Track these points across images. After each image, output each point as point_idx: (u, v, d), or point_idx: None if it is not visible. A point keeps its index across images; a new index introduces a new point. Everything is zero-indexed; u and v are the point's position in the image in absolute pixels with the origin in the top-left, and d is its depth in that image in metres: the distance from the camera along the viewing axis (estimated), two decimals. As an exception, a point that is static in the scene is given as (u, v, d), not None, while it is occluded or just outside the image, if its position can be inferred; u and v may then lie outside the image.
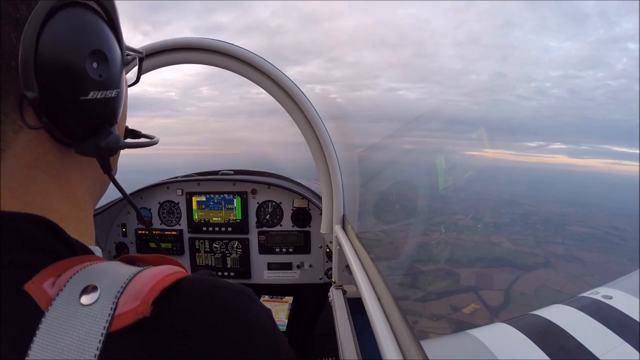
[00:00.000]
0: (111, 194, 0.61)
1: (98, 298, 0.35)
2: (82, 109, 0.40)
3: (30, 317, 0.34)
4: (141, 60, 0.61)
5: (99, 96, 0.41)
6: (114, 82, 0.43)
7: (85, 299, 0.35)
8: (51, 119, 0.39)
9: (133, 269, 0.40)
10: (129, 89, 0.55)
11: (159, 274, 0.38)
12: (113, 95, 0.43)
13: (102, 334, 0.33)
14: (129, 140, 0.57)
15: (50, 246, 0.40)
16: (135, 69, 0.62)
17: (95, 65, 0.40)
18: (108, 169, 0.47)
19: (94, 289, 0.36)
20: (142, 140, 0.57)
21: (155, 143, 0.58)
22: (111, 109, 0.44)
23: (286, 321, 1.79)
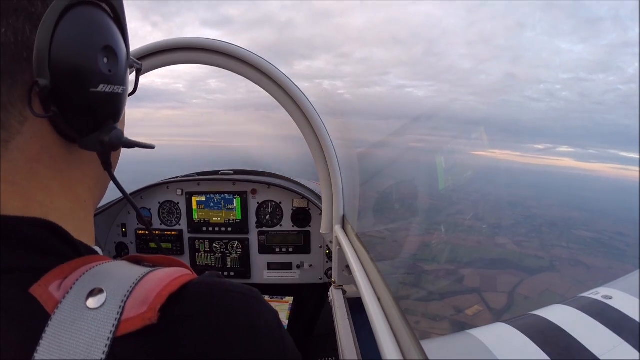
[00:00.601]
0: (111, 194, 0.61)
1: (105, 302, 0.35)
2: (90, 101, 0.41)
3: (36, 320, 0.34)
4: (138, 71, 0.62)
5: (107, 90, 0.42)
6: (121, 79, 0.44)
7: (91, 302, 0.35)
8: (59, 108, 0.39)
9: (139, 271, 0.40)
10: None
11: (165, 278, 0.38)
12: (119, 91, 0.44)
13: (109, 338, 0.33)
14: (131, 138, 0.58)
15: (55, 248, 0.40)
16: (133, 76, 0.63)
17: (105, 60, 0.41)
18: (108, 166, 0.48)
19: (100, 291, 0.36)
20: (142, 142, 0.58)
21: (152, 147, 0.58)
22: (116, 104, 0.45)
23: (286, 321, 1.79)
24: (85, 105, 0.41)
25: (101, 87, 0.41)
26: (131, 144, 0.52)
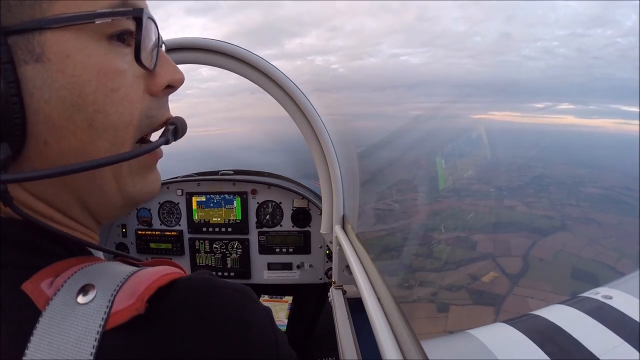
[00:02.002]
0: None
1: (94, 297, 0.35)
2: None
3: (27, 316, 0.34)
4: (139, 23, 0.40)
5: None
6: None
7: (81, 298, 0.35)
8: None
9: (131, 268, 0.40)
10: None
11: (156, 273, 0.38)
12: None
13: (98, 332, 0.33)
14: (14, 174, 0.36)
15: (49, 248, 0.40)
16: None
17: None
18: (5, 201, 0.36)
19: (91, 288, 0.36)
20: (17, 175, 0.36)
21: (66, 171, 0.36)
22: None
23: (286, 321, 1.79)
24: None
25: None
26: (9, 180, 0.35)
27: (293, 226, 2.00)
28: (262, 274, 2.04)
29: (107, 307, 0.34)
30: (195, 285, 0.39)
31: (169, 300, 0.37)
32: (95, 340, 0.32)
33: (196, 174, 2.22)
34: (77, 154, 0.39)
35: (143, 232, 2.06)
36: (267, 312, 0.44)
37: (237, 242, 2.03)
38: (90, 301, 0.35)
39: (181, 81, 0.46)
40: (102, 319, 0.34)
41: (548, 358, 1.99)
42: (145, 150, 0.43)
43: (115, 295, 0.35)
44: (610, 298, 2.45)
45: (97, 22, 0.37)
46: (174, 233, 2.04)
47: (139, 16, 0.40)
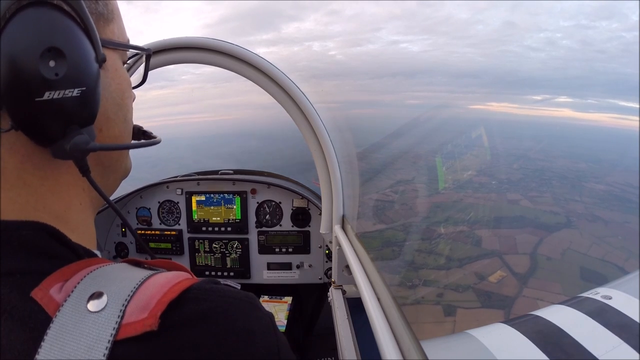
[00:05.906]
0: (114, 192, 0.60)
1: (105, 305, 0.36)
2: (39, 111, 0.38)
3: (38, 323, 0.34)
4: (148, 57, 0.60)
5: (55, 96, 0.39)
6: (75, 80, 0.40)
7: (92, 306, 0.35)
8: (15, 122, 0.38)
9: (140, 275, 0.41)
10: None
11: (166, 284, 0.39)
12: (75, 94, 0.40)
13: (109, 341, 0.34)
14: (106, 143, 0.50)
15: (55, 252, 0.40)
16: (142, 68, 0.62)
17: (52, 63, 0.38)
18: (84, 171, 0.44)
19: (101, 295, 0.36)
20: (119, 144, 0.53)
21: (145, 145, 0.57)
22: (75, 108, 0.41)
23: (285, 321, 1.79)
24: (36, 116, 0.38)
25: (48, 95, 0.38)
26: (105, 148, 0.48)
27: (293, 226, 2.00)
28: (262, 273, 2.04)
29: (119, 316, 0.35)
30: (203, 296, 0.41)
31: (178, 313, 0.38)
32: (106, 349, 0.33)
33: (196, 173, 2.22)
34: (116, 139, 0.51)
35: (143, 232, 2.06)
36: (270, 318, 0.46)
37: (236, 241, 2.03)
38: (102, 310, 0.35)
39: None
40: (114, 328, 0.34)
41: (547, 358, 2.00)
42: (160, 139, 0.61)
43: (126, 306, 0.36)
44: (610, 298, 2.45)
45: (129, 51, 0.53)
46: (173, 233, 2.04)
47: (150, 54, 0.60)
